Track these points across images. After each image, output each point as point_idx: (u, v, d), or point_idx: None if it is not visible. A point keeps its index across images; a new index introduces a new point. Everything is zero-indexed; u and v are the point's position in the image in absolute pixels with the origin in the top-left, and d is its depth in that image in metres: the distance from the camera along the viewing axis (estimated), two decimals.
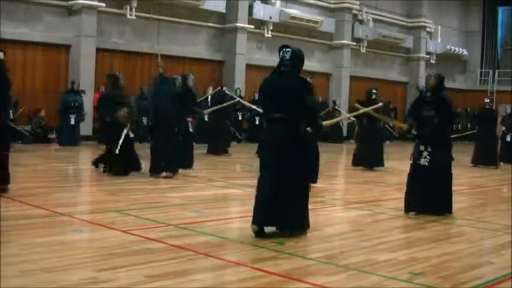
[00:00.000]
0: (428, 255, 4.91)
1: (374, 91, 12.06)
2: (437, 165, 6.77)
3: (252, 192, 8.19)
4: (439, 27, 28.74)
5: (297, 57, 5.41)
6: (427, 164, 6.78)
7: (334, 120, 9.01)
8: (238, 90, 18.27)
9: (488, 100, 15.06)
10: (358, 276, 4.18)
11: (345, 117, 10.32)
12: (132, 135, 9.52)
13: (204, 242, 5.00)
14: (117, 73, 10.32)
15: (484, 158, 14.00)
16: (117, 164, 9.22)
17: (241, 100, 15.00)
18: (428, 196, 6.76)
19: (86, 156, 10.91)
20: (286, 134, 5.28)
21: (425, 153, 6.80)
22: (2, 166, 6.92)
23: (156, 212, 6.40)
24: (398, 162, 15.56)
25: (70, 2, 16.23)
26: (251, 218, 5.29)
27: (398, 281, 4.09)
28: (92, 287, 3.66)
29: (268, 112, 5.47)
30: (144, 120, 17.05)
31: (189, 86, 10.31)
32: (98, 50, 16.68)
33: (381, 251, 4.96)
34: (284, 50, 5.40)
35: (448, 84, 30.56)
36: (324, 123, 6.09)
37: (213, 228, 5.60)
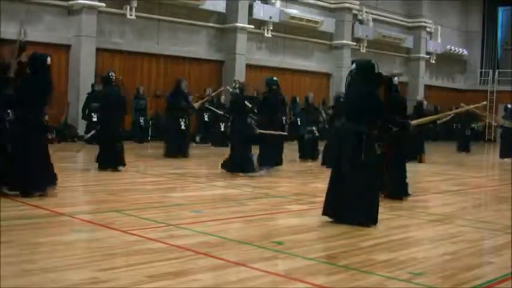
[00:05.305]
0: (428, 255, 4.91)
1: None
2: None
3: (251, 192, 8.22)
4: (439, 27, 28.74)
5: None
6: None
7: (425, 119, 9.00)
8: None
9: None
10: (358, 276, 4.18)
11: (436, 117, 10.09)
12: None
13: (204, 242, 4.99)
14: None
15: None
16: None
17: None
18: None
19: (85, 156, 10.90)
20: None
21: None
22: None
23: (156, 212, 6.40)
24: None
25: (70, 2, 16.23)
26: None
27: (398, 281, 4.10)
28: (92, 287, 3.66)
29: None
30: (142, 120, 17.07)
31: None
32: (98, 50, 16.68)
33: (380, 251, 4.97)
34: None
35: (448, 84, 30.74)
36: (413, 122, 6.18)
37: (213, 228, 5.60)
